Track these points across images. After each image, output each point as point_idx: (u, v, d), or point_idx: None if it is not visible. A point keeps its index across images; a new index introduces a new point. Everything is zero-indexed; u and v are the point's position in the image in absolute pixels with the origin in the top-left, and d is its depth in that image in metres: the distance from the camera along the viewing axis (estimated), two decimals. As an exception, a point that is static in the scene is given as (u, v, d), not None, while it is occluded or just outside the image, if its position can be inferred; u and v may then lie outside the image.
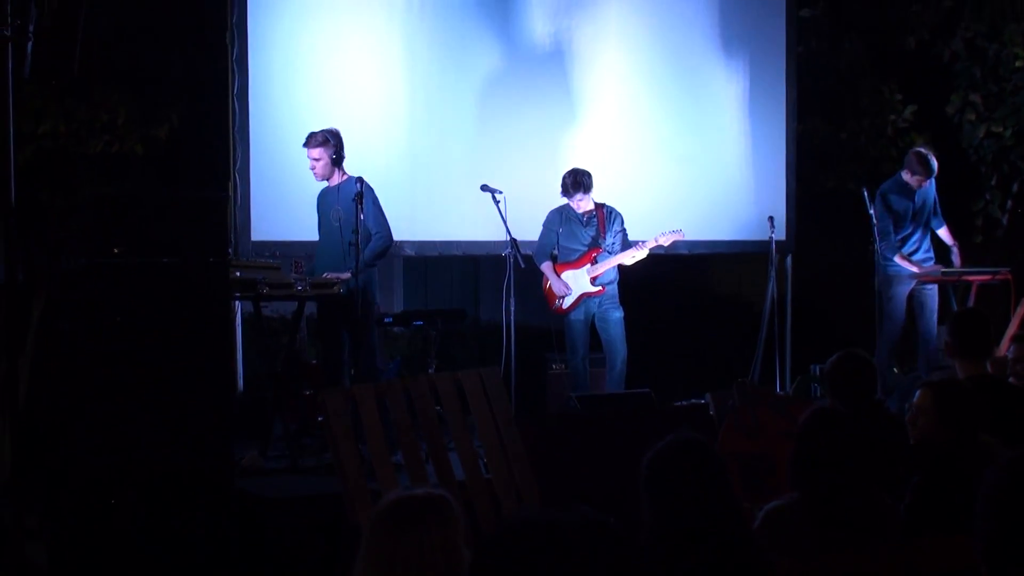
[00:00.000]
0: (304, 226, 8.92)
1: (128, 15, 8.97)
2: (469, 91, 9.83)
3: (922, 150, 9.88)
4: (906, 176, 9.83)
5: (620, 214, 9.33)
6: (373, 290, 8.29)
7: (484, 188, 8.72)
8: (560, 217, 9.28)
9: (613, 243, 9.24)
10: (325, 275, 7.96)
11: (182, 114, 9.16)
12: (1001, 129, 11.45)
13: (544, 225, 9.33)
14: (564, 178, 9.11)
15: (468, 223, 9.58)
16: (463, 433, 6.50)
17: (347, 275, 7.90)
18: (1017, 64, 11.17)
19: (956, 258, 9.99)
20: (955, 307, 9.94)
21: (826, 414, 4.16)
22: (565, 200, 9.19)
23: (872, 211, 9.58)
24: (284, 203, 8.96)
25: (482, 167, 9.46)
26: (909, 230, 9.85)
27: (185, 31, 9.20)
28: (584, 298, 9.16)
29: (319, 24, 9.31)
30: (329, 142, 8.13)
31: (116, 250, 6.42)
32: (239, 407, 8.37)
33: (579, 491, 6.41)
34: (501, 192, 8.67)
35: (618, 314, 9.21)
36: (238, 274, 7.40)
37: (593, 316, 9.22)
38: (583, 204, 9.14)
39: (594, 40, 10.29)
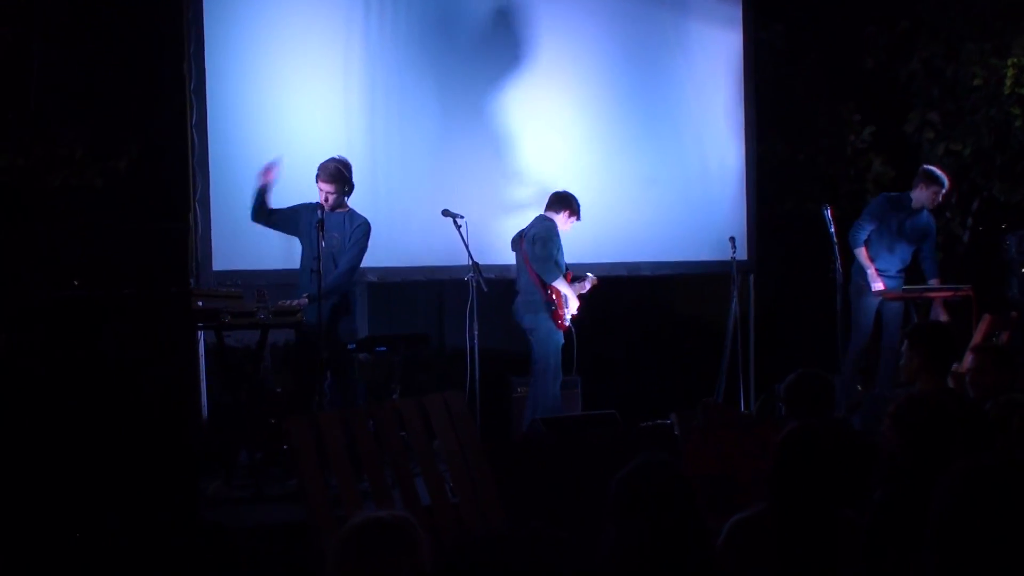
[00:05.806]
0: (266, 255, 8.90)
1: (84, 48, 8.94)
2: (429, 116, 9.83)
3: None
4: (915, 192, 10.04)
5: None
6: (343, 316, 8.26)
7: (445, 213, 8.70)
8: (558, 235, 9.24)
9: None
10: (280, 302, 7.89)
11: (141, 146, 9.12)
12: (960, 147, 11.44)
13: (554, 239, 9.14)
14: (573, 199, 9.23)
15: (430, 248, 9.57)
16: (429, 458, 6.50)
17: (304, 300, 7.86)
18: (975, 82, 11.20)
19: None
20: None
21: (807, 430, 4.14)
22: (556, 218, 9.22)
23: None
24: (245, 232, 8.90)
25: (443, 192, 9.44)
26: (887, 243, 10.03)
27: (142, 63, 9.16)
28: None
29: (277, 52, 9.29)
30: (343, 176, 8.17)
31: (76, 283, 6.39)
32: (203, 437, 8.34)
33: (546, 513, 6.42)
34: (463, 217, 8.67)
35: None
36: (200, 304, 7.39)
37: None
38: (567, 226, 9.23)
39: (555, 64, 10.31)
